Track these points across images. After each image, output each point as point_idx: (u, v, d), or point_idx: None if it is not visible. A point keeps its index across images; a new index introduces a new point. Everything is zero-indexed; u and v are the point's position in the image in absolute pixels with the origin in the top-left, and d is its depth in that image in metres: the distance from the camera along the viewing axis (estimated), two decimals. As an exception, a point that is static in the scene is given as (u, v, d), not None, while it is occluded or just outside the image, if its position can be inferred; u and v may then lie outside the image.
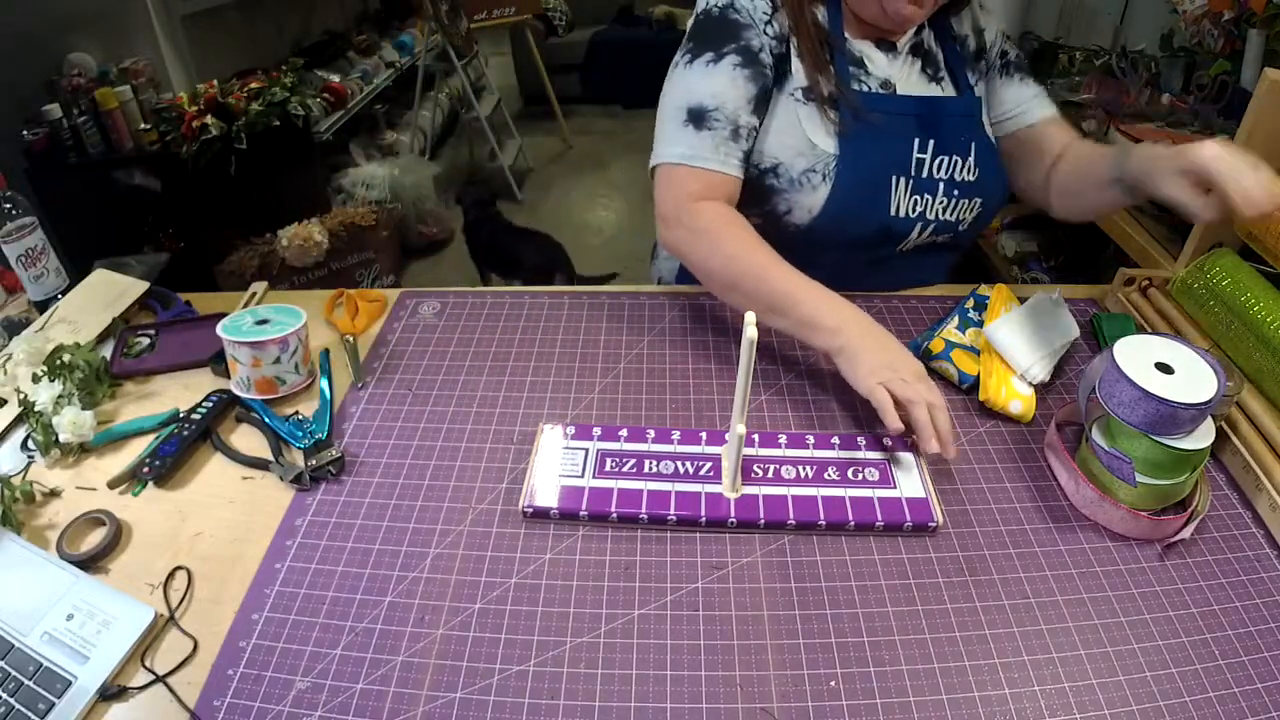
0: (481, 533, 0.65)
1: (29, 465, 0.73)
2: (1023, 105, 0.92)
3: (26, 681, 0.54)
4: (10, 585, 0.60)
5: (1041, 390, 0.77)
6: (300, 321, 0.79)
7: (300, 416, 0.77)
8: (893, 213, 0.85)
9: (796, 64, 0.82)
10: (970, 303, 0.87)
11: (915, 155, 0.84)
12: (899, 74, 0.86)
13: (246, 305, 0.94)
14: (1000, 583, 0.60)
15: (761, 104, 0.82)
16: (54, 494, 0.70)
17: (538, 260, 2.37)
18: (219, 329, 0.77)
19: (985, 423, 0.75)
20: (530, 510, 0.65)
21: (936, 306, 0.92)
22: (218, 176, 2.15)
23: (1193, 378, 0.61)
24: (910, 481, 0.67)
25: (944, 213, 0.87)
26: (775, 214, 0.85)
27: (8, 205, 0.92)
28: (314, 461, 0.71)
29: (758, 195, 0.86)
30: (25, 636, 0.57)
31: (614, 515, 0.65)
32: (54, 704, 0.53)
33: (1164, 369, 0.62)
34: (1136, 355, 0.63)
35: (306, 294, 0.98)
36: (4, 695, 0.53)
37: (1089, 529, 0.64)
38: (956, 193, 0.86)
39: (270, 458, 0.72)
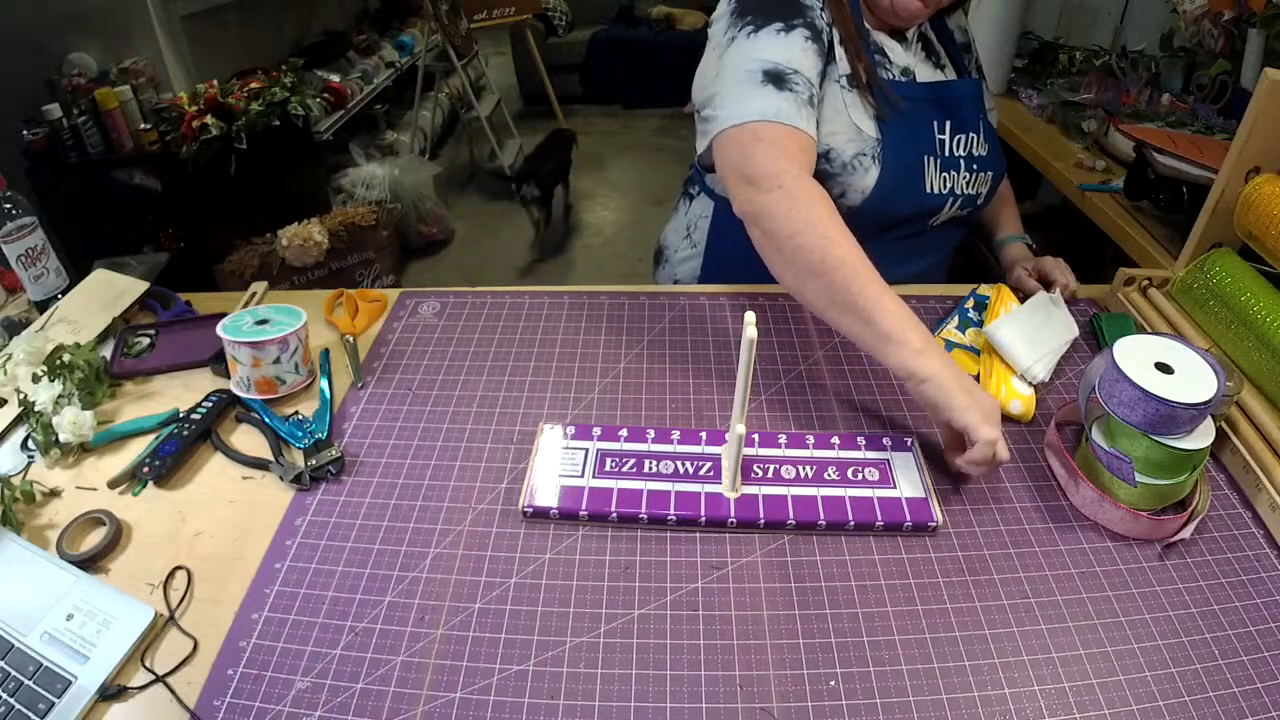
0: (481, 533, 0.65)
1: (29, 465, 0.73)
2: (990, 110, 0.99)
3: (26, 681, 0.54)
4: (10, 585, 0.60)
5: (1041, 390, 0.77)
6: (300, 321, 0.79)
7: (300, 416, 0.77)
8: (928, 190, 0.90)
9: (840, 51, 0.85)
10: (970, 303, 0.87)
11: (938, 136, 0.90)
12: (913, 62, 0.92)
13: (246, 305, 0.94)
14: (1000, 583, 0.60)
15: (822, 83, 0.83)
16: (54, 494, 0.70)
17: (550, 167, 3.01)
18: (219, 329, 0.77)
19: (985, 423, 0.75)
20: (530, 510, 0.65)
21: (936, 307, 0.92)
22: (218, 176, 2.15)
23: (1193, 378, 0.61)
24: (910, 481, 0.67)
25: (967, 187, 0.93)
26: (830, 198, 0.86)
27: (8, 205, 0.92)
28: (314, 461, 0.71)
29: None
30: (25, 636, 0.57)
31: (614, 515, 0.65)
32: (54, 704, 0.53)
33: (1164, 369, 0.62)
34: (1136, 355, 0.63)
35: (306, 294, 0.98)
36: (4, 695, 0.53)
37: (1089, 529, 0.64)
38: (975, 167, 0.93)
39: (270, 458, 0.72)
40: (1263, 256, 0.77)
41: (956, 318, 0.85)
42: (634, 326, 0.89)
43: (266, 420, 0.76)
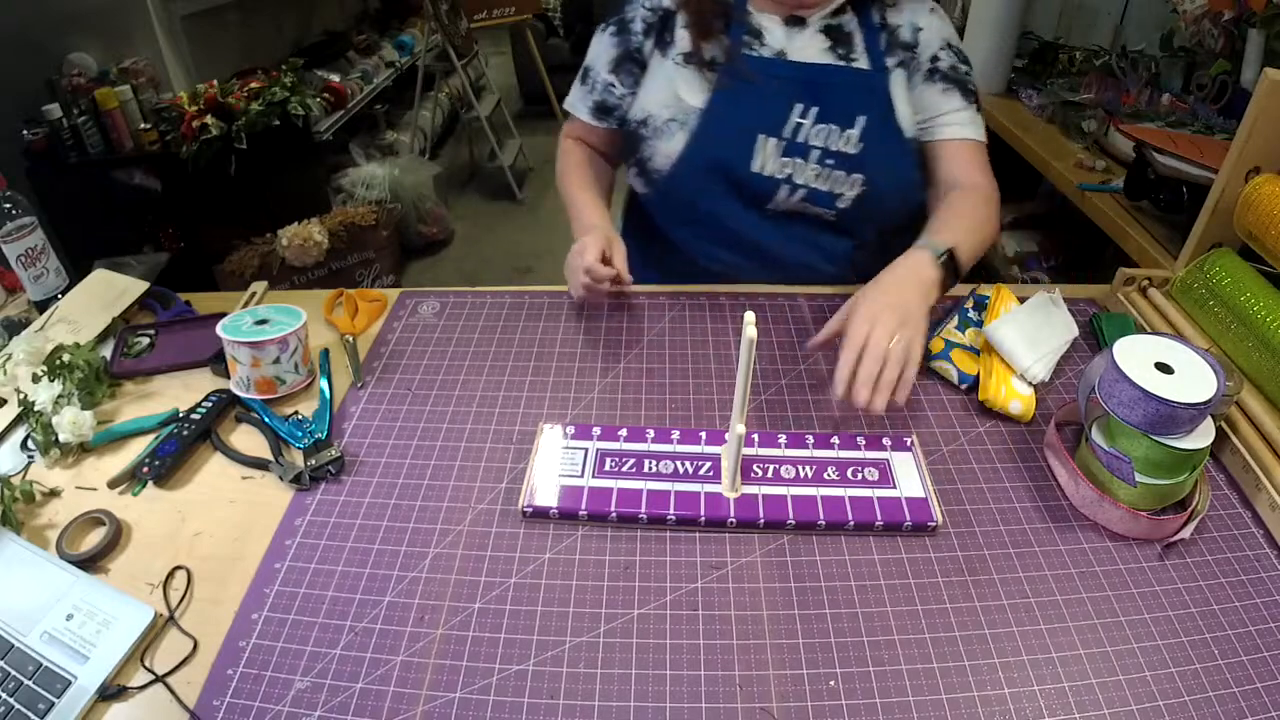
0: (481, 532, 0.65)
1: (29, 465, 0.73)
2: (937, 117, 0.90)
3: (26, 681, 0.54)
4: (10, 585, 0.60)
5: (1041, 390, 0.77)
6: (300, 321, 0.79)
7: (300, 416, 0.77)
8: (755, 169, 0.89)
9: (681, 32, 0.91)
10: (970, 303, 0.87)
11: (794, 120, 0.87)
12: (797, 45, 0.89)
13: (246, 305, 0.94)
14: (1000, 583, 0.60)
15: (622, 64, 0.95)
16: (54, 494, 0.70)
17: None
18: (219, 329, 0.77)
19: (985, 422, 0.75)
20: (530, 510, 0.65)
21: (936, 307, 0.91)
22: (218, 176, 2.15)
23: (1192, 378, 0.61)
24: (910, 481, 0.67)
25: (816, 180, 0.88)
26: (643, 160, 0.94)
27: (8, 205, 0.92)
28: (313, 461, 0.71)
29: (632, 145, 0.96)
30: (25, 636, 0.57)
31: (613, 515, 0.65)
32: (54, 704, 0.53)
33: (1164, 369, 0.62)
34: (1136, 355, 0.63)
35: (306, 294, 0.98)
36: (4, 695, 0.53)
37: (1089, 529, 0.64)
38: (832, 163, 0.87)
39: (270, 458, 0.72)
40: (1263, 256, 0.77)
41: (956, 318, 0.85)
42: (634, 326, 0.89)
43: (266, 420, 0.76)
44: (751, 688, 0.53)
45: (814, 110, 0.86)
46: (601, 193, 0.99)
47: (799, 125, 0.87)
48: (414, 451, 0.73)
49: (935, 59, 0.89)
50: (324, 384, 0.80)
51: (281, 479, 0.70)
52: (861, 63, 0.89)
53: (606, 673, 0.54)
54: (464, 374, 0.83)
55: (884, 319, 0.69)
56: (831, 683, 0.53)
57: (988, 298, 0.87)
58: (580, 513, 0.65)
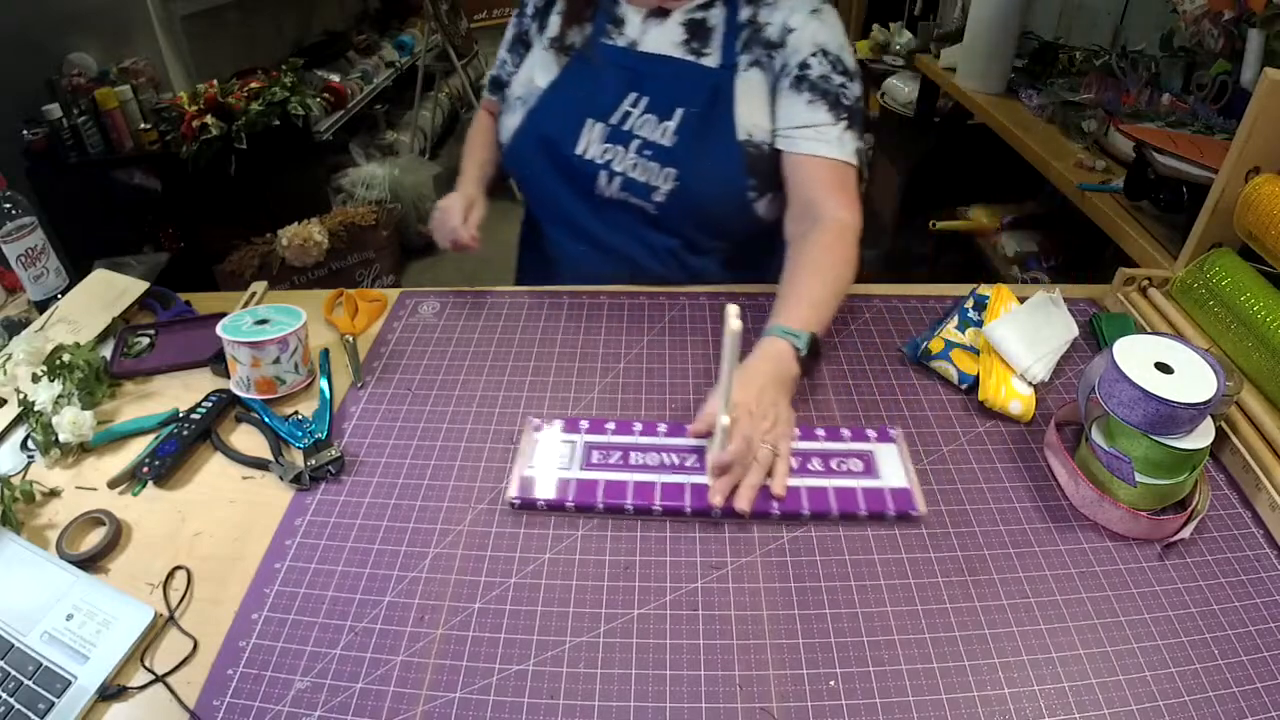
0: (481, 532, 0.65)
1: (29, 465, 0.73)
2: (798, 128, 0.84)
3: (26, 681, 0.54)
4: (10, 585, 0.60)
5: (1041, 390, 0.77)
6: (300, 321, 0.79)
7: (300, 416, 0.77)
8: (578, 152, 0.90)
9: (555, 19, 0.95)
10: (970, 302, 0.87)
11: (624, 107, 0.89)
12: (651, 36, 0.90)
13: (246, 305, 0.94)
14: (1000, 582, 0.60)
15: (515, 45, 1.01)
16: (54, 494, 0.70)
17: None
18: (219, 329, 0.77)
19: (985, 422, 0.75)
20: (518, 502, 0.66)
21: (936, 306, 0.92)
22: (218, 176, 2.15)
23: (1192, 378, 0.61)
24: (893, 471, 0.67)
25: (633, 170, 0.88)
26: (497, 135, 1.02)
27: (8, 205, 0.92)
28: (314, 461, 0.71)
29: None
30: (25, 636, 0.57)
31: (600, 506, 0.65)
32: (54, 704, 0.53)
33: (1164, 369, 0.62)
34: (1136, 355, 0.63)
35: (306, 294, 0.98)
36: (4, 695, 0.53)
37: (1088, 529, 0.64)
38: (649, 154, 0.87)
39: (270, 458, 0.72)
40: (1263, 256, 0.77)
41: (956, 318, 0.85)
42: (634, 326, 0.89)
43: (266, 420, 0.76)
44: (751, 688, 0.53)
45: (645, 100, 0.88)
46: (493, 161, 1.06)
47: (628, 113, 0.88)
48: (414, 451, 0.73)
49: (805, 66, 0.84)
50: (324, 384, 0.80)
51: (281, 479, 0.70)
52: (711, 59, 0.87)
53: (606, 673, 0.54)
54: (464, 374, 0.83)
55: (761, 422, 0.67)
56: (831, 683, 0.53)
57: (988, 298, 0.87)
58: (567, 504, 0.65)
